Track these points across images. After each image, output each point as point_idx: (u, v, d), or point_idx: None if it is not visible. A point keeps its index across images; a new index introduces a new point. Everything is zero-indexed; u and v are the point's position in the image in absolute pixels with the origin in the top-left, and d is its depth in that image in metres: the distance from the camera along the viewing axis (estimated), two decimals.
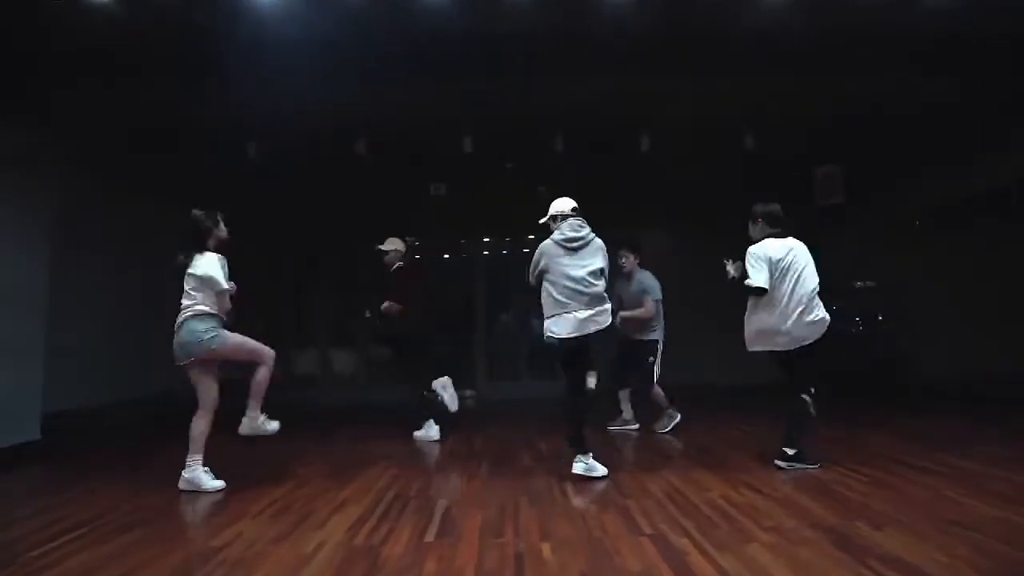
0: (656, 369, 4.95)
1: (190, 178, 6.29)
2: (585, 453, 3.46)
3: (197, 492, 3.33)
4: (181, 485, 3.36)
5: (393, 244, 5.00)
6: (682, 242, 7.78)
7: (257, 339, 3.48)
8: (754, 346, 3.61)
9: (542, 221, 3.73)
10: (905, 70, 4.68)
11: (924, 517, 2.59)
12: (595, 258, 3.52)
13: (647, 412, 5.13)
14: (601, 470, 3.41)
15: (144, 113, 5.29)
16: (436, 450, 4.47)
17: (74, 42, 4.13)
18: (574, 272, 3.44)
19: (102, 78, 4.60)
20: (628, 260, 5.04)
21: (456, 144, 5.71)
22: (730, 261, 3.66)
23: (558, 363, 3.67)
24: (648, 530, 2.55)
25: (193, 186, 6.28)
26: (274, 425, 3.52)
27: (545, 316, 3.52)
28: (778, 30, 3.98)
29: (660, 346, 4.97)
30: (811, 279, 3.53)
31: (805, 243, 3.69)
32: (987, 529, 2.42)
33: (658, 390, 4.99)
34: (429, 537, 2.55)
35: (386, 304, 4.78)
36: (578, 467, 3.44)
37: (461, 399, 5.05)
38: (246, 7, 3.77)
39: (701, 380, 7.22)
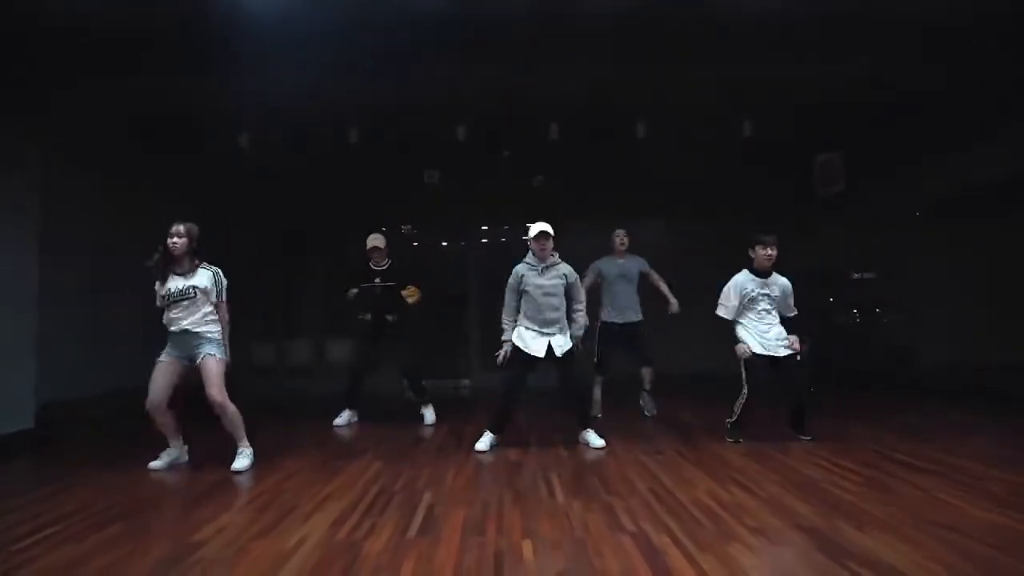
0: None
1: (185, 171, 6.24)
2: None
3: (184, 484, 3.37)
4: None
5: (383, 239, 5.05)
6: (678, 231, 7.70)
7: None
8: None
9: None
10: (905, 62, 4.58)
11: (913, 520, 2.54)
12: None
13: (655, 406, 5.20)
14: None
15: (135, 108, 5.25)
16: (425, 442, 4.45)
17: (71, 40, 4.08)
18: None
19: (95, 76, 4.56)
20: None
21: (451, 133, 5.63)
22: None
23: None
24: (631, 529, 2.52)
25: (188, 179, 6.27)
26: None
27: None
28: (775, 17, 3.87)
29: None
30: None
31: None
32: (977, 533, 2.38)
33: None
34: (411, 534, 2.53)
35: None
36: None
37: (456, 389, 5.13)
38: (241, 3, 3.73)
39: (697, 368, 7.19)
